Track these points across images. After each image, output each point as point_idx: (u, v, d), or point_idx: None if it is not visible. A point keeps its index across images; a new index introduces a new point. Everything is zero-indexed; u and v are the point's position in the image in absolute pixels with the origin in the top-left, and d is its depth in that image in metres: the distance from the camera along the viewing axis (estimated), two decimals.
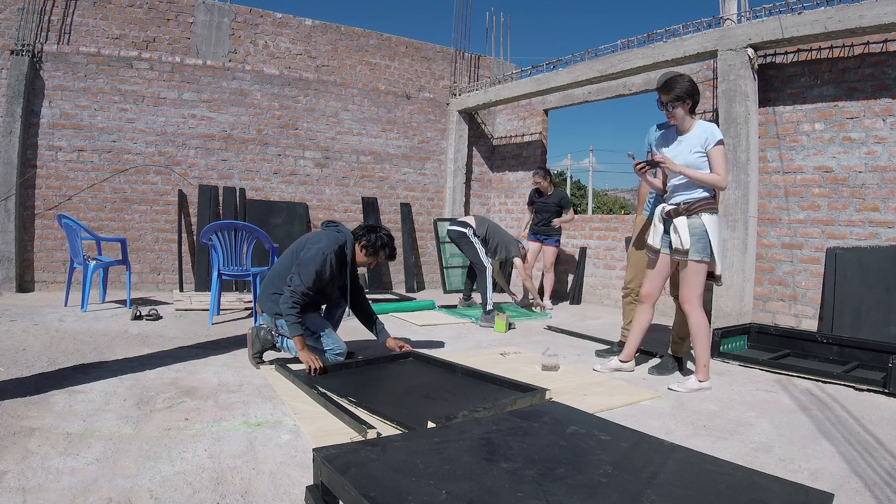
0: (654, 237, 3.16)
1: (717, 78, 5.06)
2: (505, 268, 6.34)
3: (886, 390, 2.94)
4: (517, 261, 5.46)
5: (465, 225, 5.33)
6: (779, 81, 4.87)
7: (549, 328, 4.87)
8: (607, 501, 1.35)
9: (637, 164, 3.08)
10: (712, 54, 4.77)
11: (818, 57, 4.65)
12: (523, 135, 7.75)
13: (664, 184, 3.17)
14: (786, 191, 4.83)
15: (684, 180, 3.01)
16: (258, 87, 6.60)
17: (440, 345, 3.99)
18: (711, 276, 3.07)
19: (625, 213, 15.79)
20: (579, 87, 6.40)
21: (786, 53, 4.82)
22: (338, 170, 7.12)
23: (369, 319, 3.50)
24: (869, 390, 3.01)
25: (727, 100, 4.59)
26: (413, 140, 7.67)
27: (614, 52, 5.57)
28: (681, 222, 3.00)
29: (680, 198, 3.04)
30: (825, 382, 3.18)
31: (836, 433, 2.37)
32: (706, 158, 2.98)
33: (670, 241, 3.08)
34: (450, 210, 7.68)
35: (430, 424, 2.08)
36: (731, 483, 1.48)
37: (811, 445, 2.24)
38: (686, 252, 2.98)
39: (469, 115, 7.85)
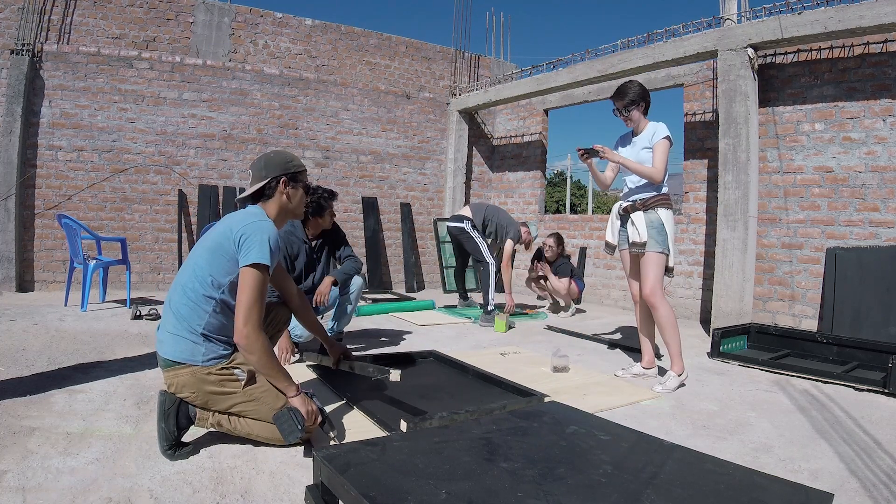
0: (612, 234, 3.30)
1: (717, 78, 5.06)
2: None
3: (886, 390, 2.94)
4: (508, 242, 5.09)
5: (462, 218, 5.07)
6: (779, 81, 4.87)
7: (549, 328, 4.86)
8: (607, 501, 1.35)
9: (578, 150, 3.06)
10: (712, 54, 4.77)
11: (818, 57, 4.65)
12: (523, 135, 7.75)
13: (611, 181, 3.30)
14: (786, 191, 4.83)
15: (641, 181, 3.08)
16: (258, 87, 6.60)
17: (440, 345, 3.98)
18: (666, 269, 3.09)
19: None
20: (579, 87, 6.40)
21: (786, 53, 4.82)
22: (338, 170, 7.12)
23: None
24: (869, 390, 3.01)
25: (727, 100, 4.59)
26: (413, 140, 7.67)
27: (614, 52, 5.58)
28: (637, 217, 3.07)
29: (635, 196, 3.12)
30: (825, 382, 3.18)
31: (836, 433, 2.37)
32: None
33: (628, 236, 3.16)
34: (450, 210, 7.67)
35: (403, 425, 2.08)
36: (731, 483, 1.48)
37: (811, 445, 2.24)
38: (643, 244, 3.03)
39: (469, 115, 7.85)
